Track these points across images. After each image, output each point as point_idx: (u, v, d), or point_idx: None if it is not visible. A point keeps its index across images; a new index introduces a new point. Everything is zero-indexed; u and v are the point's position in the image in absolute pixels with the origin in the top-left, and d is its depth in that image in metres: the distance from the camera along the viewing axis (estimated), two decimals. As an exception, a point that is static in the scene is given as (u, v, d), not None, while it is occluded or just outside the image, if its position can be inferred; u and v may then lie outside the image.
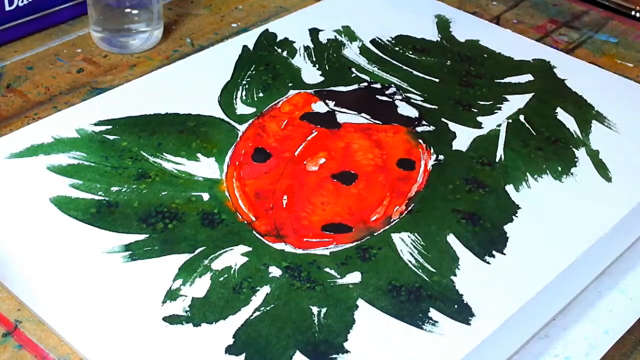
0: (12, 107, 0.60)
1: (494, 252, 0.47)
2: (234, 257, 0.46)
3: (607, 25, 0.72)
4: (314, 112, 0.57)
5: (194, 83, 0.59)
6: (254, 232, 0.47)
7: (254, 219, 0.48)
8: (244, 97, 0.58)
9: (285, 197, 0.50)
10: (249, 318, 0.42)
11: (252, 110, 0.57)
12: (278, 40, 0.65)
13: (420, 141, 0.55)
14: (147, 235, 0.47)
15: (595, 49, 0.69)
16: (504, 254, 0.47)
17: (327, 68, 0.62)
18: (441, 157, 0.53)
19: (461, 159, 0.53)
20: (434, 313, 0.43)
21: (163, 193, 0.50)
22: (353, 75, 0.61)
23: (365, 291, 0.44)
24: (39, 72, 0.64)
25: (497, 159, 0.54)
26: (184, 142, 0.54)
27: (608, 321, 0.47)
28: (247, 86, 0.59)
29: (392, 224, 0.48)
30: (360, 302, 0.43)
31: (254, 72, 0.61)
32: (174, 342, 0.41)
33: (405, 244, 0.47)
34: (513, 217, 0.49)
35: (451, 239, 0.47)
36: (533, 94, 0.60)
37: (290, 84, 0.60)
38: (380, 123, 0.56)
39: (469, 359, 0.41)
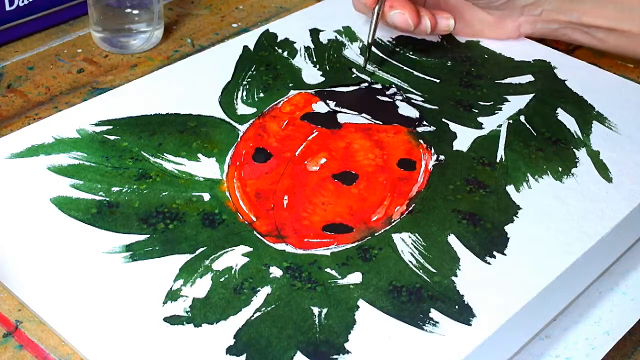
0: (12, 107, 0.60)
1: (494, 253, 0.47)
2: (234, 257, 0.46)
3: (607, 26, 0.72)
4: (314, 112, 0.57)
5: (195, 83, 0.59)
6: (255, 232, 0.47)
7: (254, 219, 0.48)
8: (245, 98, 0.58)
9: (286, 197, 0.50)
10: (249, 318, 0.42)
11: (252, 110, 0.57)
12: (279, 40, 0.65)
13: (421, 141, 0.55)
14: (148, 236, 0.47)
15: (595, 50, 0.69)
16: (505, 255, 0.47)
17: (327, 68, 0.62)
18: (442, 157, 0.54)
19: (462, 159, 0.53)
20: (434, 313, 0.43)
21: (164, 193, 0.50)
22: (354, 75, 0.61)
23: (366, 292, 0.44)
24: (40, 72, 0.64)
25: (498, 160, 0.54)
26: (184, 142, 0.54)
27: (609, 322, 0.47)
28: (247, 86, 0.59)
29: (392, 224, 0.48)
30: (361, 303, 0.43)
31: (254, 72, 0.61)
32: (175, 342, 0.41)
33: (405, 244, 0.47)
34: (514, 217, 0.49)
35: (452, 239, 0.47)
36: (534, 94, 0.60)
37: (290, 84, 0.60)
38: (381, 123, 0.56)
39: (469, 360, 0.41)
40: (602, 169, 0.53)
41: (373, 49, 0.64)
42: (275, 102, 0.58)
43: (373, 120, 0.56)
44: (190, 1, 0.74)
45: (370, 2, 0.61)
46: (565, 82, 0.61)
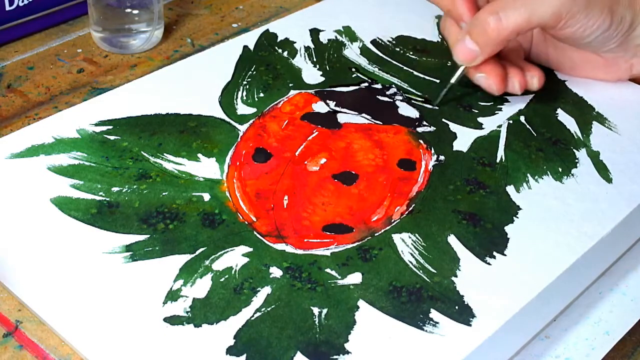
0: (12, 107, 0.60)
1: (494, 253, 0.47)
2: (234, 257, 0.46)
3: (607, 26, 0.72)
4: (314, 112, 0.57)
5: (195, 83, 0.59)
6: (255, 232, 0.47)
7: (254, 219, 0.48)
8: (245, 97, 0.58)
9: (286, 197, 0.50)
10: (249, 319, 0.42)
11: (252, 110, 0.57)
12: (279, 40, 0.65)
13: (421, 141, 0.55)
14: (148, 236, 0.47)
15: (595, 50, 0.69)
16: (505, 255, 0.47)
17: (327, 68, 0.62)
18: (442, 157, 0.54)
19: (462, 160, 0.53)
20: (434, 314, 0.43)
21: (164, 193, 0.50)
22: (354, 75, 0.61)
23: (366, 292, 0.44)
24: (40, 72, 0.64)
25: (498, 160, 0.54)
26: (184, 142, 0.54)
27: (609, 322, 0.47)
28: (247, 86, 0.59)
29: (392, 224, 0.48)
30: (361, 303, 0.43)
31: (254, 72, 0.61)
32: (175, 342, 0.41)
33: (406, 244, 0.47)
34: (514, 217, 0.49)
35: (452, 239, 0.47)
36: (533, 94, 0.60)
37: (290, 84, 0.60)
38: (381, 123, 0.56)
39: (469, 360, 0.41)
40: (602, 170, 0.53)
41: (373, 48, 0.64)
42: (275, 102, 0.58)
43: (373, 120, 0.56)
44: (190, 1, 0.74)
45: (467, 58, 0.56)
46: (565, 82, 0.61)
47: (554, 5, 0.53)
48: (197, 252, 0.46)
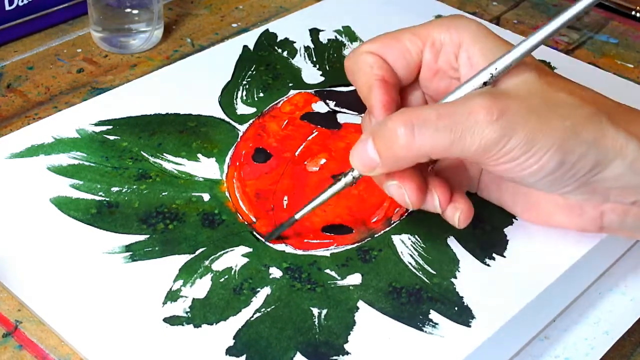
0: (12, 107, 0.60)
1: (494, 255, 0.47)
2: (234, 258, 0.46)
3: (607, 26, 0.72)
4: (314, 112, 0.57)
5: (195, 83, 0.59)
6: (255, 232, 0.47)
7: (254, 219, 0.48)
8: (245, 97, 0.58)
9: (285, 197, 0.50)
10: (249, 319, 0.42)
11: (252, 110, 0.57)
12: (278, 40, 0.65)
13: (421, 142, 0.55)
14: (148, 236, 0.47)
15: (595, 50, 0.69)
16: (504, 257, 0.47)
17: (327, 68, 0.62)
18: (441, 158, 0.53)
19: (461, 160, 0.53)
20: (434, 315, 0.43)
21: (163, 193, 0.50)
22: (353, 75, 0.61)
23: (365, 293, 0.44)
24: (39, 72, 0.64)
25: (498, 160, 0.53)
26: (184, 142, 0.54)
27: (608, 322, 0.47)
28: (247, 86, 0.59)
29: (392, 225, 0.48)
30: (361, 304, 0.43)
31: (254, 72, 0.61)
32: (175, 343, 0.41)
33: (405, 245, 0.47)
34: (513, 219, 0.49)
35: (451, 241, 0.47)
36: (533, 95, 0.60)
37: (290, 84, 0.60)
38: (381, 124, 0.56)
39: (469, 361, 0.41)
40: (602, 170, 0.53)
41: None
42: (275, 102, 0.58)
43: (373, 120, 0.56)
44: (190, 1, 0.74)
45: (364, 166, 0.42)
46: (565, 82, 0.61)
47: (485, 138, 0.39)
48: (197, 252, 0.46)
